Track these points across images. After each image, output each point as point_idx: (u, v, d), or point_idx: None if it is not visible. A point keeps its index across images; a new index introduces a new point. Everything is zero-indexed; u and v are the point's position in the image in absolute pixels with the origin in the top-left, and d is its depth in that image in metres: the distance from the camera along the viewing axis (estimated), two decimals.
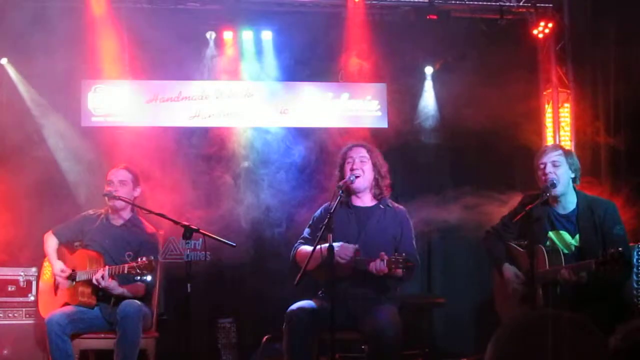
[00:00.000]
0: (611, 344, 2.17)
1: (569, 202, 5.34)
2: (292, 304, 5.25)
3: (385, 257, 4.97)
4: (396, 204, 5.58)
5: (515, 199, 5.94)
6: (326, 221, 4.82)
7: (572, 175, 5.32)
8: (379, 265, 5.00)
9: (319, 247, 4.95)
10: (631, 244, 5.39)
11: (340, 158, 5.57)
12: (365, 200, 5.53)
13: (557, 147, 5.67)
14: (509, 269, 5.45)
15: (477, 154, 8.14)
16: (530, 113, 7.96)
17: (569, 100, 8.02)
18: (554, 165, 5.26)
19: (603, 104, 7.43)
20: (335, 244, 4.88)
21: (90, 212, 6.10)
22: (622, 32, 7.13)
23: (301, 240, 5.56)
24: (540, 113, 8.12)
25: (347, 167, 5.44)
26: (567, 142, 7.87)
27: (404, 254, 4.99)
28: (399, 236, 5.40)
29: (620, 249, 4.73)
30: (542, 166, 5.30)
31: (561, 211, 5.36)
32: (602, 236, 5.16)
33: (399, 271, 4.99)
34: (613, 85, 7.27)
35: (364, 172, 5.41)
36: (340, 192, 5.16)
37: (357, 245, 5.18)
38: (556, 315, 2.10)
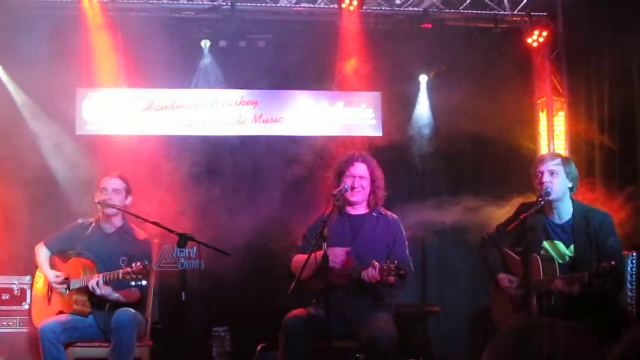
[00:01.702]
0: (615, 352, 2.16)
1: (565, 212, 5.32)
2: (287, 313, 5.26)
3: (377, 265, 4.99)
4: (389, 212, 5.61)
5: (511, 206, 5.96)
6: (321, 229, 4.83)
7: (570, 185, 5.30)
8: (371, 273, 5.02)
9: (312, 255, 4.97)
10: (625, 252, 5.40)
11: (340, 167, 5.57)
12: (359, 209, 5.57)
13: (556, 155, 5.63)
14: (503, 278, 5.44)
15: (471, 161, 8.16)
16: (524, 121, 7.97)
17: (563, 108, 8.03)
18: (551, 174, 5.23)
19: (597, 112, 7.43)
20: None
21: (81, 220, 6.10)
22: (617, 40, 7.14)
23: (296, 251, 5.56)
24: (534, 121, 8.13)
25: (347, 180, 5.45)
26: (562, 150, 7.86)
27: (396, 262, 5.00)
28: (391, 244, 5.43)
29: (613, 262, 4.73)
30: (539, 174, 5.28)
31: (557, 221, 5.34)
32: (596, 247, 5.15)
33: (392, 279, 5.00)
34: (607, 93, 7.27)
35: (363, 188, 5.48)
36: (337, 201, 5.18)
37: (348, 248, 5.20)
38: (551, 323, 2.10)
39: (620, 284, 4.96)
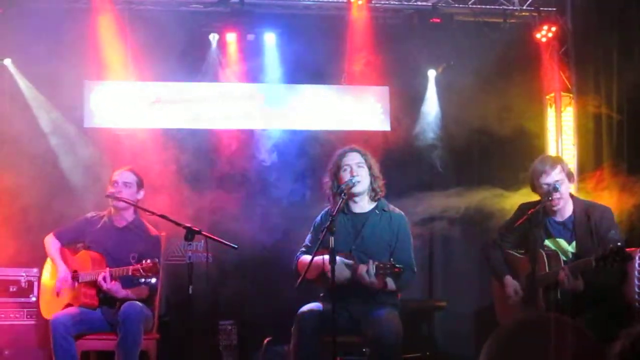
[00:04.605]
0: (617, 349, 2.16)
1: (566, 210, 5.36)
2: (293, 306, 5.25)
3: (374, 263, 4.95)
4: (395, 209, 5.51)
5: (519, 197, 5.99)
6: (327, 225, 4.81)
7: (570, 186, 5.36)
8: (365, 269, 4.97)
9: (320, 257, 4.96)
10: (632, 249, 5.39)
11: (334, 165, 5.50)
12: (363, 204, 5.48)
13: (555, 164, 5.49)
14: (510, 284, 5.43)
15: (479, 157, 8.15)
16: (532, 116, 7.95)
17: (571, 103, 8.01)
18: (559, 184, 5.28)
19: (606, 107, 7.42)
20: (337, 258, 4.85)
21: (92, 214, 6.10)
22: (625, 36, 7.13)
23: (303, 249, 5.54)
24: (542, 116, 8.12)
25: (345, 175, 5.37)
26: (570, 145, 7.87)
27: (391, 260, 4.95)
28: (394, 243, 5.34)
29: (619, 243, 4.75)
30: (545, 187, 5.29)
31: (558, 219, 5.36)
32: (598, 241, 5.16)
33: (390, 281, 4.99)
34: (616, 89, 7.26)
35: (362, 177, 5.38)
36: (343, 195, 5.14)
37: (351, 261, 5.14)
38: (550, 319, 2.10)
39: (625, 265, 4.96)
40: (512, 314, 5.36)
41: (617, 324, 4.67)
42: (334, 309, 4.71)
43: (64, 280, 5.79)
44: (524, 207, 5.46)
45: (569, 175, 5.36)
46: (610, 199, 6.40)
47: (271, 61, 7.93)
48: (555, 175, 5.29)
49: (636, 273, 5.36)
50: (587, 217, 5.26)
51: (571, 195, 5.41)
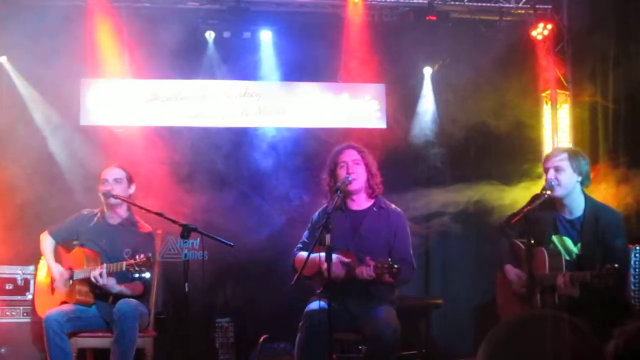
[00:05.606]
0: (610, 348, 2.15)
1: (576, 208, 5.25)
2: (290, 304, 5.26)
3: (372, 263, 4.95)
4: (392, 206, 5.52)
5: (517, 190, 5.99)
6: (324, 222, 4.80)
7: (579, 179, 5.24)
8: (365, 271, 4.98)
9: (316, 255, 4.95)
10: (630, 246, 5.39)
11: (331, 162, 5.50)
12: (360, 202, 5.49)
13: (563, 150, 5.50)
14: (511, 270, 5.42)
15: (475, 155, 8.14)
16: (528, 114, 7.95)
17: (567, 101, 8.02)
18: (557, 170, 5.19)
19: (602, 105, 7.43)
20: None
21: (85, 211, 6.09)
22: (621, 32, 7.13)
23: (300, 245, 5.54)
24: (538, 114, 8.12)
25: (342, 172, 5.38)
26: (566, 143, 7.87)
27: (389, 260, 4.94)
28: (392, 240, 5.35)
29: (616, 265, 4.71)
30: (546, 171, 5.27)
31: (568, 216, 5.26)
32: (603, 247, 5.10)
33: (387, 277, 4.96)
34: (612, 86, 7.27)
35: (358, 174, 5.39)
36: (339, 192, 5.14)
37: (348, 260, 5.14)
38: (549, 316, 2.10)
39: (620, 286, 4.94)
40: (512, 309, 5.36)
41: (613, 322, 4.66)
42: (329, 306, 4.71)
43: (60, 275, 5.79)
44: (535, 198, 5.40)
45: (580, 170, 5.21)
46: (607, 190, 6.41)
47: (267, 59, 7.93)
48: (556, 161, 5.21)
49: (632, 270, 5.35)
50: (596, 219, 5.15)
51: (584, 194, 5.34)
